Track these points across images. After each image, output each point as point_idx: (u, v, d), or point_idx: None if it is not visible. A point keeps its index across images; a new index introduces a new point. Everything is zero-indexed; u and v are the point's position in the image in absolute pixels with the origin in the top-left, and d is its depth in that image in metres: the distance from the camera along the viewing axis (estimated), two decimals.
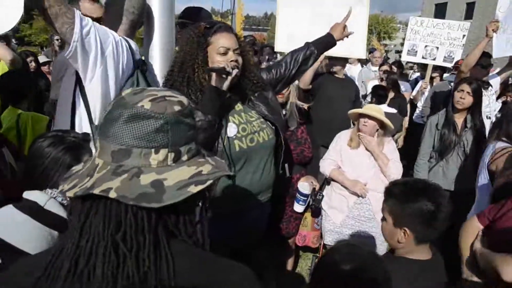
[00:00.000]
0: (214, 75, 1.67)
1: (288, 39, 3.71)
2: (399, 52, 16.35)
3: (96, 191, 0.68)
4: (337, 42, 2.22)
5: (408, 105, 5.63)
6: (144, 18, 2.07)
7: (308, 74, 3.41)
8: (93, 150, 1.29)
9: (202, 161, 0.78)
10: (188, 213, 0.77)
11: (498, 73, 4.22)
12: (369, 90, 5.15)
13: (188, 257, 0.74)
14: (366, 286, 1.16)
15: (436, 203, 1.43)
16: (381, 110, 2.90)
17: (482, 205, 2.33)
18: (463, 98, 3.10)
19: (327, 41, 2.17)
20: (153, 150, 0.71)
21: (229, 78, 1.67)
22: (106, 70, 1.78)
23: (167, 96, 0.75)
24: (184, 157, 0.75)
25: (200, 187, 0.71)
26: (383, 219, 1.57)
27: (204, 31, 1.73)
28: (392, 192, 1.53)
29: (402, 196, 1.49)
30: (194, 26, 1.77)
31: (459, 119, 3.20)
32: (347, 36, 2.23)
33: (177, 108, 0.74)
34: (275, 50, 4.20)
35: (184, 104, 0.76)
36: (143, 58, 2.10)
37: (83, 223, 0.70)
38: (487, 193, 2.37)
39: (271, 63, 3.27)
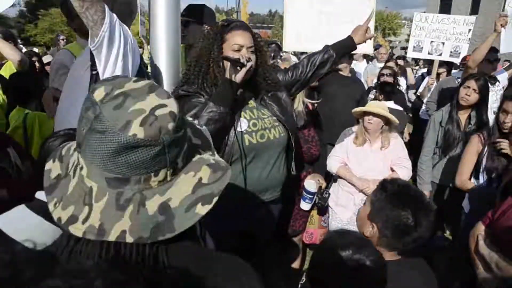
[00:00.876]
0: (229, 66, 1.68)
1: (296, 38, 3.70)
2: (404, 48, 16.27)
3: (112, 237, 0.64)
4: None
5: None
6: (134, 10, 2.09)
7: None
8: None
9: (196, 160, 0.73)
10: None
11: (506, 69, 4.18)
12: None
13: (185, 254, 0.72)
14: (360, 268, 1.16)
15: (416, 221, 1.38)
16: (385, 106, 2.89)
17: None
18: (469, 95, 3.07)
19: (348, 45, 2.12)
20: (152, 174, 0.66)
21: (243, 70, 1.68)
22: (126, 66, 1.81)
23: (156, 109, 0.65)
24: (180, 165, 0.71)
25: (207, 208, 0.68)
26: (364, 203, 1.57)
27: (221, 28, 1.77)
28: (385, 186, 1.50)
29: (390, 196, 1.46)
30: (213, 24, 1.81)
31: (463, 115, 3.18)
32: (370, 38, 2.19)
33: (171, 125, 0.65)
34: (284, 49, 4.19)
35: (175, 113, 0.67)
36: (144, 54, 2.11)
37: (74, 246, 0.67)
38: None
39: (278, 61, 3.26)
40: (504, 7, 3.98)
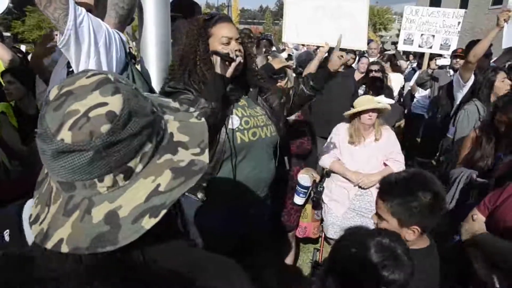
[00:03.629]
0: (218, 61, 1.66)
1: (295, 30, 3.74)
2: (394, 43, 16.30)
3: (49, 245, 0.60)
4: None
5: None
6: (133, 13, 2.04)
7: (313, 66, 3.42)
8: None
9: (161, 163, 0.65)
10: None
11: (495, 62, 4.21)
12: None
13: (172, 254, 0.70)
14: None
15: (433, 192, 1.42)
16: (373, 99, 2.88)
17: None
18: (509, 85, 3.10)
19: (327, 77, 2.15)
20: (96, 179, 0.61)
21: (233, 64, 1.66)
22: (99, 62, 1.74)
23: (93, 109, 0.59)
24: (139, 168, 0.63)
25: (153, 221, 0.60)
26: (381, 219, 1.51)
27: (204, 23, 1.72)
28: (393, 193, 1.48)
29: (404, 197, 1.44)
30: (193, 19, 1.76)
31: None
32: (344, 65, 2.24)
33: (105, 128, 0.58)
34: (283, 40, 4.22)
35: (114, 113, 0.59)
36: (134, 51, 2.07)
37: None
38: None
39: (268, 57, 3.26)
40: (493, 1, 3.99)
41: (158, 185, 0.63)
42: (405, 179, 1.49)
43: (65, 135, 0.58)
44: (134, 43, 2.12)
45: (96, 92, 0.60)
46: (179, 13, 2.82)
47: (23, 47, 8.54)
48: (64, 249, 0.59)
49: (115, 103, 0.60)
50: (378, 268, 1.11)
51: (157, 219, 0.60)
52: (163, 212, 0.61)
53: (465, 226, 1.92)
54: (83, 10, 1.66)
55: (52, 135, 0.58)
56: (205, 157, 0.69)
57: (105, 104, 0.59)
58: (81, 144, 0.58)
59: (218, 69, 1.65)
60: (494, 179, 2.36)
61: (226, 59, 1.65)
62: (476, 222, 1.87)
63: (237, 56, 1.67)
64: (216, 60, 1.67)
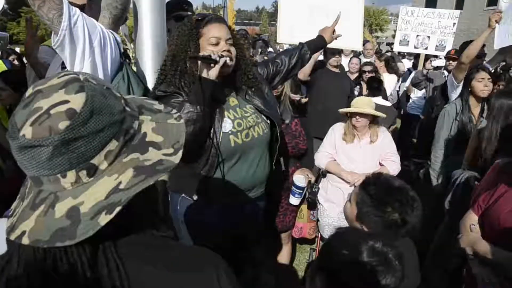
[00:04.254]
0: (200, 64, 1.64)
1: (289, 30, 3.76)
2: (390, 44, 16.33)
3: (12, 237, 0.63)
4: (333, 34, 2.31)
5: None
6: (127, 13, 2.04)
7: (308, 66, 3.43)
8: None
9: (127, 161, 0.67)
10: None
11: (488, 62, 4.23)
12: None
13: (138, 248, 0.70)
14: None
15: (403, 217, 1.39)
16: (371, 102, 2.90)
17: None
18: (487, 86, 3.08)
19: (320, 43, 2.31)
20: (59, 175, 0.63)
21: (217, 66, 1.62)
22: (94, 63, 1.73)
23: (55, 106, 0.61)
24: (103, 165, 0.65)
25: (108, 218, 0.62)
26: (349, 200, 1.56)
27: (196, 23, 1.70)
28: (368, 189, 1.48)
29: (374, 199, 1.45)
30: (186, 19, 1.75)
31: (475, 108, 3.17)
32: (335, 38, 2.37)
33: (63, 124, 0.60)
34: (277, 41, 4.26)
35: (74, 111, 0.61)
36: (131, 53, 2.07)
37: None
38: None
39: (264, 57, 3.26)
40: (488, 2, 4.01)
41: (119, 183, 0.65)
42: (389, 187, 1.47)
43: (27, 131, 0.60)
44: (131, 44, 2.12)
45: (62, 90, 0.63)
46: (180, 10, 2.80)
47: (17, 49, 8.50)
48: (25, 241, 0.61)
49: (77, 101, 0.62)
50: (371, 273, 1.11)
51: (111, 216, 0.63)
52: (118, 209, 0.63)
53: (463, 233, 1.91)
54: (77, 10, 1.65)
55: (17, 130, 0.61)
56: (176, 158, 0.71)
57: (66, 102, 0.62)
58: (40, 139, 0.60)
59: (200, 71, 1.63)
60: None
61: (207, 61, 1.62)
62: (474, 232, 1.86)
63: (220, 56, 1.63)
64: (200, 64, 1.65)
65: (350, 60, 5.57)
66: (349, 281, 1.10)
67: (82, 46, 1.67)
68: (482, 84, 3.09)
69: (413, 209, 1.42)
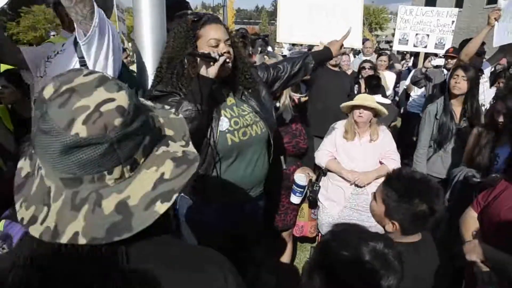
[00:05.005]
0: (199, 62, 1.63)
1: (289, 29, 3.76)
2: (389, 42, 16.35)
3: (64, 239, 0.62)
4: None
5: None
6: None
7: None
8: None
9: (160, 154, 0.70)
10: None
11: (488, 60, 4.23)
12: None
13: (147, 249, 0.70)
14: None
15: (430, 206, 1.43)
16: (374, 98, 2.90)
17: None
18: (458, 82, 3.08)
19: (325, 54, 2.24)
20: (105, 172, 0.64)
21: (216, 64, 1.61)
22: (115, 62, 1.77)
23: (102, 104, 0.61)
24: (141, 159, 0.68)
25: (166, 205, 0.65)
26: (374, 198, 1.59)
27: (192, 24, 1.68)
28: (392, 184, 1.52)
29: (400, 193, 1.48)
30: (181, 20, 1.73)
31: (457, 107, 3.18)
32: (343, 54, 2.31)
33: (118, 121, 0.62)
34: (277, 40, 4.24)
35: (124, 108, 0.63)
36: (129, 52, 2.08)
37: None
38: None
39: (264, 56, 3.26)
40: (487, 0, 4.01)
41: (163, 173, 0.68)
42: (412, 180, 1.51)
43: (80, 129, 0.59)
44: (130, 44, 2.11)
45: (101, 88, 0.63)
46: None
47: None
48: (82, 241, 0.62)
49: (122, 98, 0.64)
50: (371, 273, 1.11)
51: (170, 203, 0.65)
52: (175, 196, 0.66)
53: (465, 236, 1.91)
54: (101, 10, 1.70)
55: (63, 129, 0.60)
56: (192, 148, 0.75)
57: (112, 99, 0.63)
58: (97, 137, 0.60)
59: (201, 71, 1.62)
60: (492, 176, 2.38)
61: (207, 60, 1.61)
62: (472, 220, 1.87)
63: (219, 55, 1.62)
64: (198, 61, 1.63)
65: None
66: (349, 281, 1.10)
67: (107, 44, 1.72)
68: (454, 81, 3.11)
69: (439, 198, 1.46)
